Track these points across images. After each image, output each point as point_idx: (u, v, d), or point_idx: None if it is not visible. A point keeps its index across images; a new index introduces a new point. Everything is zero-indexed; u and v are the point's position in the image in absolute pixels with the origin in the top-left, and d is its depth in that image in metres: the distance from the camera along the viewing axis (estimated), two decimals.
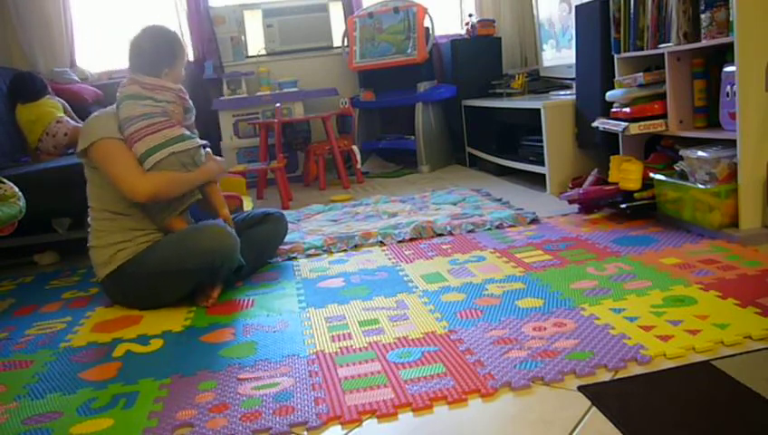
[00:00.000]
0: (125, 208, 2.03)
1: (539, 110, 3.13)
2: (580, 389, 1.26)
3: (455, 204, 3.11)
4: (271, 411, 1.29)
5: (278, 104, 4.00)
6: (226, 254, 2.00)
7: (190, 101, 2.17)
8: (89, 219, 2.11)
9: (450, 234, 2.57)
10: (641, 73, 2.46)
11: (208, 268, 1.97)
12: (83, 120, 3.67)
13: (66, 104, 3.46)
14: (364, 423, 1.24)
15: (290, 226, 2.95)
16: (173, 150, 2.02)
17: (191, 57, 4.39)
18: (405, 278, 2.08)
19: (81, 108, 3.78)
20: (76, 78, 4.06)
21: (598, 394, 1.24)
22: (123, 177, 1.96)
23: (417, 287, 1.97)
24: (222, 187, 2.85)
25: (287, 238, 2.69)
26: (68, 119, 3.31)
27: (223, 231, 2.01)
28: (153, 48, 2.08)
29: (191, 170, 2.08)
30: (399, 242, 2.54)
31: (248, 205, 2.90)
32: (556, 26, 3.51)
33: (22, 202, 2.10)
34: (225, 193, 2.58)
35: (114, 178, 1.98)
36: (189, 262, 1.96)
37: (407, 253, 2.37)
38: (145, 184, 1.96)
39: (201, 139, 2.17)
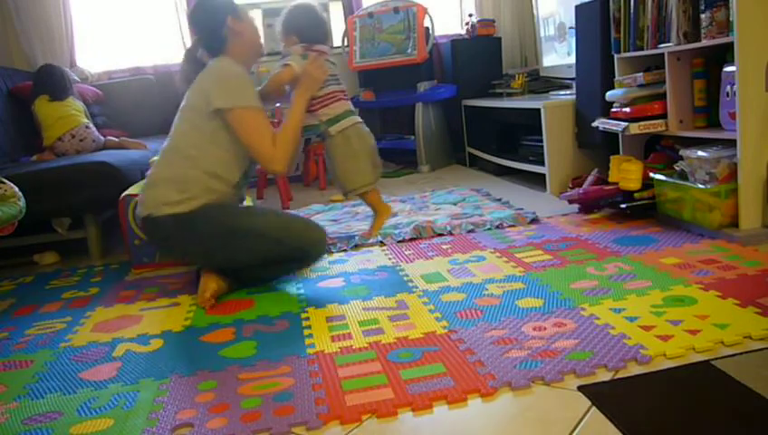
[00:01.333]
0: (224, 171, 2.05)
1: (539, 110, 3.13)
2: (580, 389, 1.26)
3: (455, 204, 3.11)
4: (271, 411, 1.29)
5: (278, 104, 4.00)
6: (319, 248, 2.12)
7: None
8: (167, 157, 2.07)
9: (450, 234, 2.57)
10: (641, 73, 2.46)
11: (300, 250, 2.06)
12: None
13: (85, 107, 3.48)
14: (364, 423, 1.24)
15: None
16: (356, 121, 2.18)
17: None
18: (405, 278, 2.08)
19: None
20: (76, 78, 4.05)
21: (598, 394, 1.24)
22: (264, 149, 2.04)
23: (417, 287, 1.97)
24: None
25: None
26: (93, 127, 3.34)
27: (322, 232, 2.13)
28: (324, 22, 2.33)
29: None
30: (399, 242, 2.54)
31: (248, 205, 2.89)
32: (555, 25, 3.52)
33: (22, 202, 2.10)
34: None
35: (254, 148, 2.03)
36: (291, 235, 2.05)
37: (407, 253, 2.37)
38: (281, 155, 2.05)
39: None
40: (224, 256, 2.03)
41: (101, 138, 3.36)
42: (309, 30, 2.26)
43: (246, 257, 2.04)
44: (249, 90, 2.05)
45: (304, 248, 2.08)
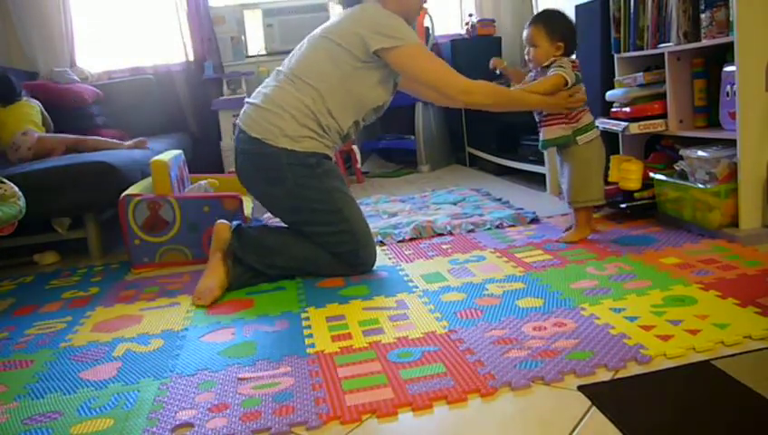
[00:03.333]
0: (340, 114, 2.04)
1: None
2: (580, 389, 1.26)
3: (455, 204, 3.11)
4: (271, 411, 1.29)
5: None
6: (369, 264, 2.13)
7: None
8: (296, 85, 2.04)
9: (450, 233, 2.57)
10: (641, 73, 2.46)
11: (356, 259, 2.08)
12: (84, 119, 3.72)
13: (41, 108, 3.31)
14: (364, 423, 1.24)
15: None
16: (599, 133, 2.26)
17: (191, 57, 4.39)
18: (405, 278, 2.07)
19: (80, 108, 3.79)
20: (76, 78, 4.06)
21: (598, 394, 1.23)
22: (451, 77, 2.05)
23: (417, 287, 1.97)
24: (221, 187, 2.86)
25: None
26: (33, 130, 3.13)
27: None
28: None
29: None
30: (399, 242, 2.54)
31: (248, 204, 2.89)
32: None
33: (22, 202, 2.10)
34: (225, 193, 2.58)
35: (437, 76, 2.04)
36: (365, 241, 2.09)
37: (407, 252, 2.37)
38: (480, 93, 2.07)
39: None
40: (303, 220, 2.05)
41: (35, 135, 3.09)
42: (572, 42, 2.23)
43: (319, 234, 2.05)
44: (408, 29, 2.02)
45: (360, 258, 2.09)
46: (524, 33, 2.26)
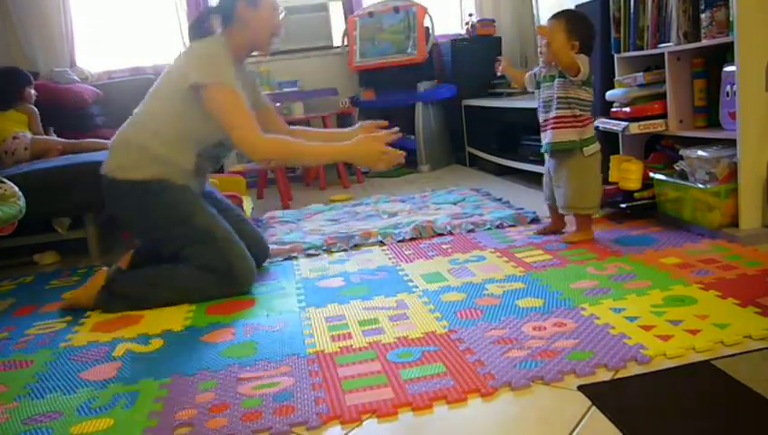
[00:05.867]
0: (179, 148, 2.06)
1: None
2: (580, 388, 1.26)
3: (455, 203, 3.11)
4: (271, 411, 1.29)
5: (278, 104, 4.01)
6: (249, 277, 2.08)
7: None
8: (133, 121, 2.10)
9: (450, 233, 2.57)
10: (641, 73, 2.46)
11: (229, 269, 2.04)
12: (84, 119, 3.71)
13: (36, 115, 3.28)
14: (364, 423, 1.24)
15: (290, 226, 2.96)
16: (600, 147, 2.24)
17: None
18: (405, 278, 2.07)
19: (81, 108, 3.79)
20: (76, 78, 4.06)
21: (598, 394, 1.24)
22: (244, 132, 2.00)
23: (417, 287, 1.97)
24: (221, 187, 2.86)
25: (288, 238, 2.68)
26: (25, 133, 3.14)
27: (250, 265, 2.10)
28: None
29: None
30: (399, 242, 2.54)
31: (248, 205, 2.90)
32: None
33: (22, 202, 2.10)
34: (225, 193, 2.58)
35: (231, 126, 2.01)
36: (232, 251, 2.05)
37: (407, 252, 2.37)
38: (267, 150, 2.05)
39: None
40: (164, 236, 2.06)
41: (27, 137, 3.11)
42: (588, 45, 2.23)
43: (182, 248, 2.05)
44: (227, 70, 2.03)
45: (234, 268, 2.04)
46: (545, 23, 2.24)
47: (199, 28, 2.17)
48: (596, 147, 2.23)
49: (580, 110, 2.21)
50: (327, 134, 2.28)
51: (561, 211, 2.32)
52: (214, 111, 2.01)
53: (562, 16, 2.21)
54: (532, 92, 2.37)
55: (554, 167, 2.30)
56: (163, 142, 2.05)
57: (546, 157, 2.34)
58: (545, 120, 2.27)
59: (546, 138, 2.26)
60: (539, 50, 2.27)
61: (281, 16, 2.17)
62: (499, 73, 2.42)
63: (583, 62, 2.16)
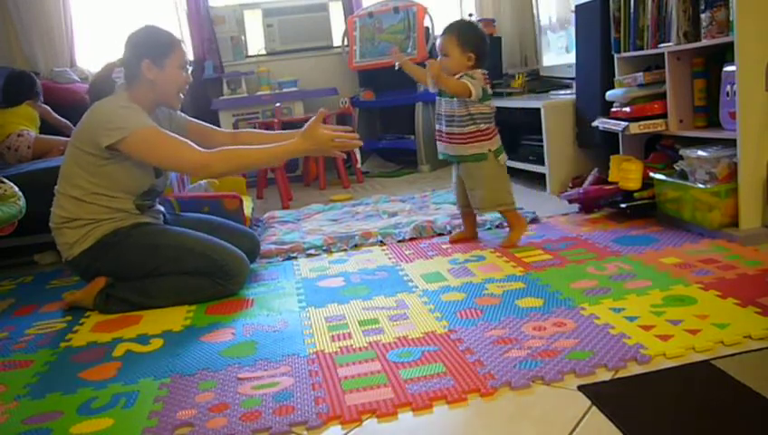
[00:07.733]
0: (110, 202, 2.03)
1: (539, 109, 3.13)
2: (580, 388, 1.26)
3: (455, 203, 3.10)
4: (271, 411, 1.29)
5: (278, 104, 4.01)
6: (242, 269, 2.08)
7: None
8: (58, 201, 2.07)
9: (450, 233, 2.57)
10: (641, 73, 2.46)
11: (222, 268, 2.02)
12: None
13: (48, 110, 3.34)
14: (364, 423, 1.24)
15: (290, 225, 2.96)
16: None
17: (191, 57, 4.39)
18: (405, 278, 2.07)
19: (80, 108, 3.78)
20: (76, 78, 4.05)
21: (598, 394, 1.24)
22: (187, 157, 1.96)
23: (417, 287, 1.97)
24: (221, 187, 2.86)
25: (288, 238, 2.69)
26: (29, 131, 3.16)
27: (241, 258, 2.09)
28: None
29: None
30: (399, 242, 2.54)
31: (248, 205, 2.89)
32: (555, 24, 3.51)
33: (22, 202, 2.10)
34: (225, 193, 2.58)
35: (172, 160, 1.98)
36: (217, 252, 2.04)
37: (407, 252, 2.37)
38: (222, 166, 2.00)
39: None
40: (151, 266, 2.03)
41: (32, 136, 3.14)
42: (484, 54, 2.26)
43: (172, 267, 2.03)
44: (139, 116, 1.98)
45: (227, 265, 2.03)
46: (437, 42, 2.30)
47: (106, 78, 2.16)
48: (505, 157, 2.33)
49: (485, 123, 2.26)
50: (275, 136, 2.22)
51: (482, 212, 2.41)
52: (144, 155, 1.97)
53: (452, 31, 2.25)
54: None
55: (467, 174, 2.33)
56: (92, 209, 2.02)
57: (455, 165, 2.40)
58: (449, 134, 2.30)
59: (451, 150, 2.32)
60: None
61: (188, 72, 2.10)
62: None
63: (474, 83, 2.18)
